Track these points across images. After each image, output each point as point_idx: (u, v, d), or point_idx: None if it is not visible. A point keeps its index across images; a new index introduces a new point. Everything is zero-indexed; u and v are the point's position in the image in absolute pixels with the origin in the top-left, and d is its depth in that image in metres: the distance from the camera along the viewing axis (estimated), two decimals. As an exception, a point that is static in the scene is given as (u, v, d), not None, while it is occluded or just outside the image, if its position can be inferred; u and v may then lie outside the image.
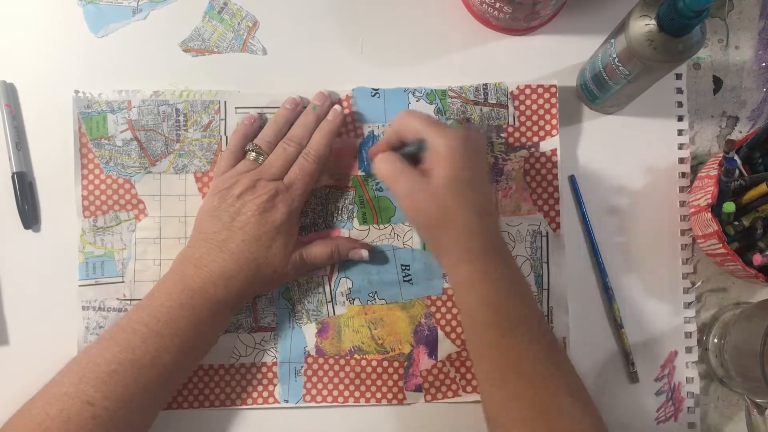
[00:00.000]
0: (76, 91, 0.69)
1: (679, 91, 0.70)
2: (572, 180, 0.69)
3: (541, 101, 0.69)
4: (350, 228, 0.69)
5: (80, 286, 0.68)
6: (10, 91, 0.70)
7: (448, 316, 0.69)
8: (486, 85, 0.69)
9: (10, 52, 0.70)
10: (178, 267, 0.62)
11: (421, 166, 0.60)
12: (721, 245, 0.61)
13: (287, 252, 0.64)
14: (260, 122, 0.68)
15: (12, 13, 0.71)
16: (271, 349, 0.68)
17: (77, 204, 0.68)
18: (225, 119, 0.69)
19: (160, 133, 0.69)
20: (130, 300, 0.68)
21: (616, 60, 0.59)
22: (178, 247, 0.68)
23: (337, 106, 0.68)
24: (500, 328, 0.57)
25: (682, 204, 0.69)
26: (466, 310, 0.60)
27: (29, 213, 0.68)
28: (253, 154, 0.65)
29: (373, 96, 0.69)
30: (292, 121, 0.67)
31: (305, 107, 0.68)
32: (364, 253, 0.67)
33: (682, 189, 0.69)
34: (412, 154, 0.62)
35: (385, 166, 0.61)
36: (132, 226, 0.69)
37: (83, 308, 0.68)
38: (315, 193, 0.69)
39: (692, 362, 0.68)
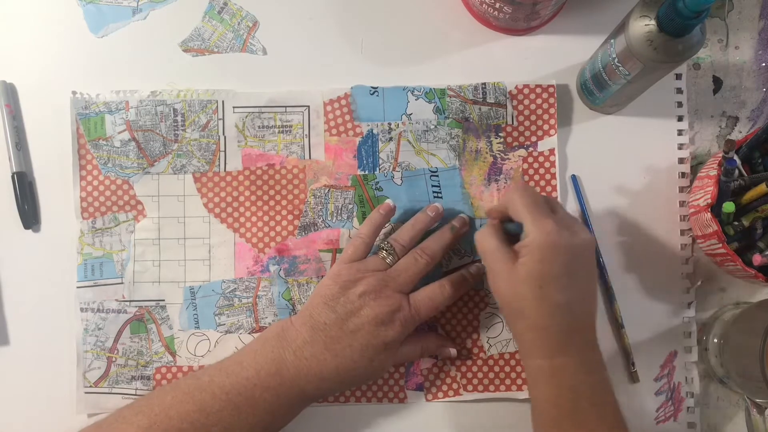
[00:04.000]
0: (74, 92, 0.69)
1: (679, 91, 0.70)
2: (573, 180, 0.69)
3: (539, 101, 0.69)
4: (350, 228, 0.69)
5: (78, 287, 0.68)
6: (10, 91, 0.70)
7: (448, 315, 0.69)
8: (485, 84, 0.69)
9: (10, 52, 0.71)
10: (277, 343, 0.61)
11: (513, 248, 0.59)
12: (720, 245, 0.61)
13: (386, 366, 0.63)
14: (393, 213, 0.67)
15: (12, 13, 0.71)
16: (271, 349, 0.68)
17: (76, 205, 0.69)
18: (223, 119, 0.69)
19: (158, 134, 0.69)
20: (129, 301, 0.68)
21: (616, 60, 0.59)
22: (177, 248, 0.69)
23: (464, 216, 0.68)
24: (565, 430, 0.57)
25: (682, 204, 0.69)
26: (534, 403, 0.59)
27: (29, 213, 0.68)
28: (384, 252, 0.64)
29: (372, 94, 0.69)
30: (429, 227, 0.66)
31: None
32: (453, 351, 0.67)
33: (681, 189, 0.69)
34: (513, 232, 0.60)
35: (481, 239, 0.61)
36: (131, 227, 0.69)
37: (82, 310, 0.68)
38: (315, 193, 0.69)
39: (692, 362, 0.68)
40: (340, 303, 0.61)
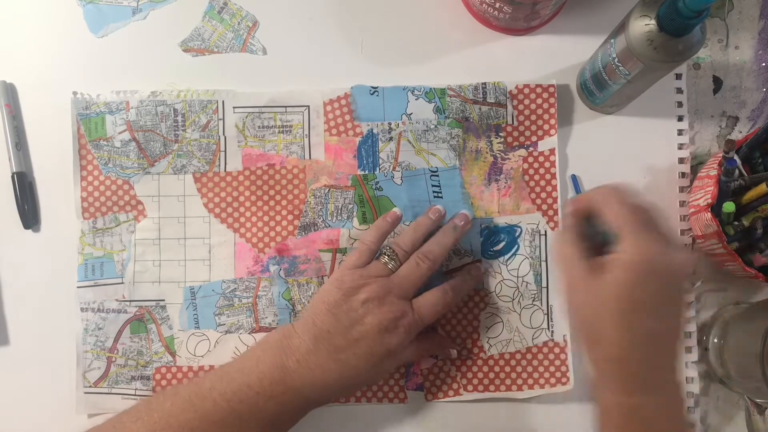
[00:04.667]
0: (75, 93, 0.69)
1: (679, 91, 0.70)
2: (574, 180, 0.69)
3: (539, 101, 0.69)
4: (350, 227, 0.69)
5: (79, 287, 0.68)
6: (10, 91, 0.70)
7: (448, 315, 0.69)
8: (485, 84, 0.69)
9: (10, 52, 0.71)
10: (280, 351, 0.59)
11: (598, 259, 0.52)
12: (720, 245, 0.61)
13: (390, 371, 0.63)
14: (399, 221, 0.66)
15: (12, 13, 0.71)
16: (271, 349, 0.68)
17: (76, 206, 0.69)
18: (223, 119, 0.69)
19: (158, 134, 0.69)
20: (130, 301, 0.68)
21: (616, 60, 0.59)
22: (177, 248, 0.69)
23: (467, 212, 0.67)
24: None
25: (682, 204, 0.69)
26: None
27: (29, 213, 0.68)
28: (386, 258, 0.63)
29: (372, 94, 0.69)
30: (431, 230, 0.66)
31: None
32: (453, 352, 0.67)
33: (681, 189, 0.69)
34: (599, 239, 0.54)
35: (559, 245, 0.56)
36: (131, 227, 0.69)
37: (82, 310, 0.68)
38: (315, 193, 0.69)
39: (692, 362, 0.68)
40: (343, 310, 0.60)
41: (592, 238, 0.54)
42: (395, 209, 0.67)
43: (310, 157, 0.69)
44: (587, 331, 0.53)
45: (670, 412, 0.52)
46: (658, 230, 0.52)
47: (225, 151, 0.69)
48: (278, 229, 0.69)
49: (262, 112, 0.69)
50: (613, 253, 0.51)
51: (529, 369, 0.68)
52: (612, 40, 0.60)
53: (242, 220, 0.69)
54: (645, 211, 0.53)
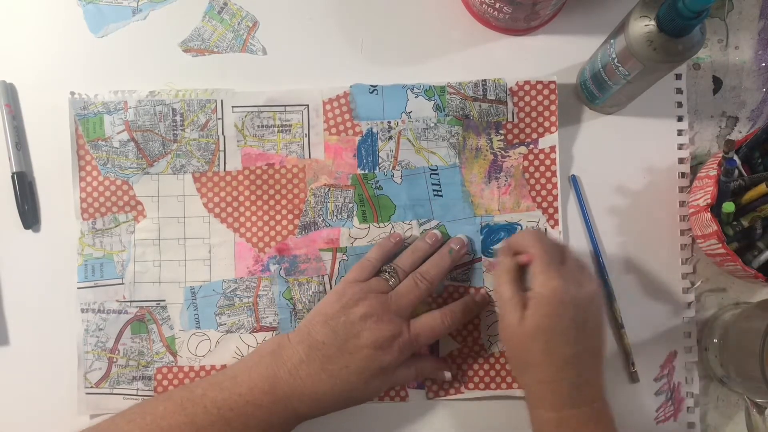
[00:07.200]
0: (72, 93, 0.69)
1: (679, 91, 0.70)
2: (573, 180, 0.69)
3: (540, 97, 0.69)
4: (350, 227, 0.69)
5: (79, 288, 0.68)
6: (10, 91, 0.70)
7: (449, 314, 0.69)
8: (485, 81, 0.69)
9: (10, 52, 0.71)
10: (273, 360, 0.60)
11: (523, 295, 0.58)
12: (720, 245, 0.61)
13: (381, 389, 0.63)
14: (402, 243, 0.67)
15: (12, 13, 0.71)
16: (272, 349, 0.68)
17: (76, 206, 0.69)
18: (222, 118, 0.69)
19: (157, 134, 0.69)
20: (130, 302, 0.68)
21: (616, 60, 0.59)
22: (177, 249, 0.69)
23: (462, 237, 0.68)
24: None
25: (682, 204, 0.69)
26: None
27: (29, 213, 0.69)
28: (387, 275, 0.65)
29: (372, 92, 0.69)
30: (429, 254, 0.67)
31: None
32: (448, 375, 0.67)
33: (681, 189, 0.69)
34: (525, 274, 0.60)
35: (497, 284, 0.61)
36: (131, 228, 0.69)
37: (82, 310, 0.68)
38: (314, 192, 0.69)
39: (692, 362, 0.68)
40: (341, 323, 0.61)
41: (523, 274, 0.61)
42: (398, 232, 0.68)
43: (309, 157, 0.69)
44: (517, 358, 0.60)
45: (598, 419, 0.57)
46: (567, 266, 0.59)
47: (224, 150, 0.69)
48: (278, 228, 0.69)
49: (261, 112, 0.69)
50: (531, 290, 0.58)
51: (530, 367, 0.68)
52: (612, 41, 0.60)
53: (242, 219, 0.69)
54: (555, 250, 0.60)
